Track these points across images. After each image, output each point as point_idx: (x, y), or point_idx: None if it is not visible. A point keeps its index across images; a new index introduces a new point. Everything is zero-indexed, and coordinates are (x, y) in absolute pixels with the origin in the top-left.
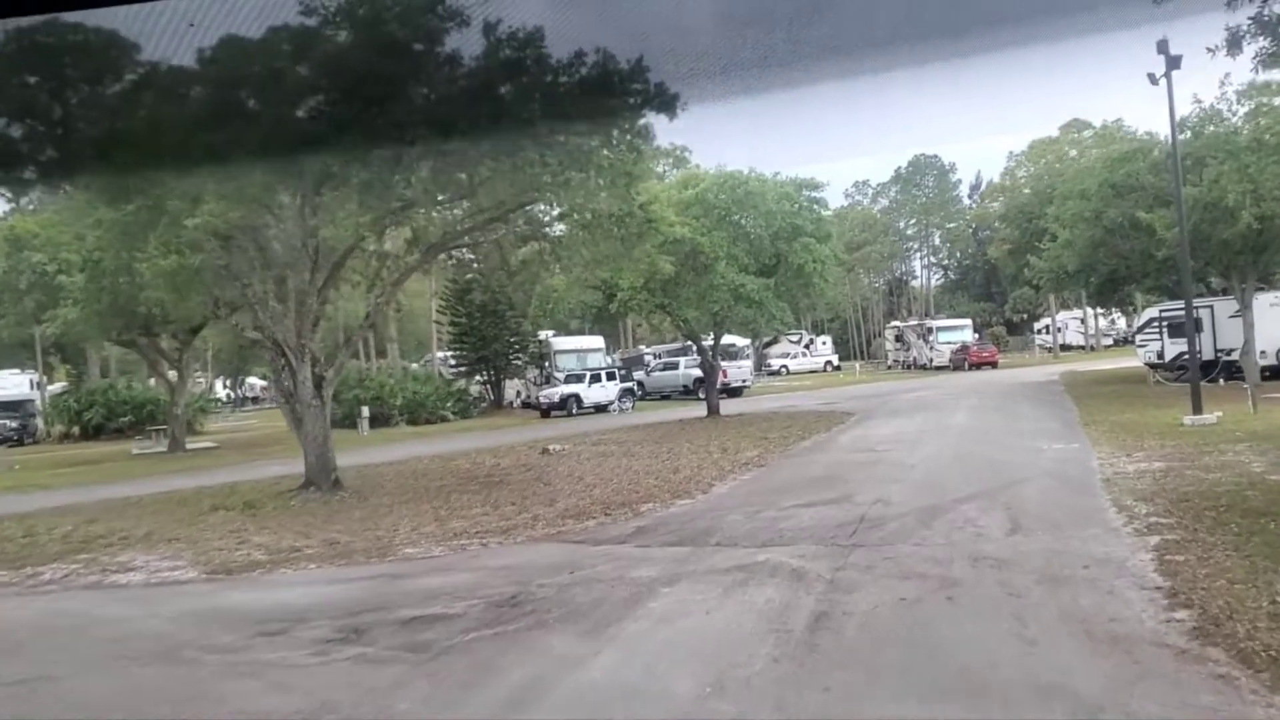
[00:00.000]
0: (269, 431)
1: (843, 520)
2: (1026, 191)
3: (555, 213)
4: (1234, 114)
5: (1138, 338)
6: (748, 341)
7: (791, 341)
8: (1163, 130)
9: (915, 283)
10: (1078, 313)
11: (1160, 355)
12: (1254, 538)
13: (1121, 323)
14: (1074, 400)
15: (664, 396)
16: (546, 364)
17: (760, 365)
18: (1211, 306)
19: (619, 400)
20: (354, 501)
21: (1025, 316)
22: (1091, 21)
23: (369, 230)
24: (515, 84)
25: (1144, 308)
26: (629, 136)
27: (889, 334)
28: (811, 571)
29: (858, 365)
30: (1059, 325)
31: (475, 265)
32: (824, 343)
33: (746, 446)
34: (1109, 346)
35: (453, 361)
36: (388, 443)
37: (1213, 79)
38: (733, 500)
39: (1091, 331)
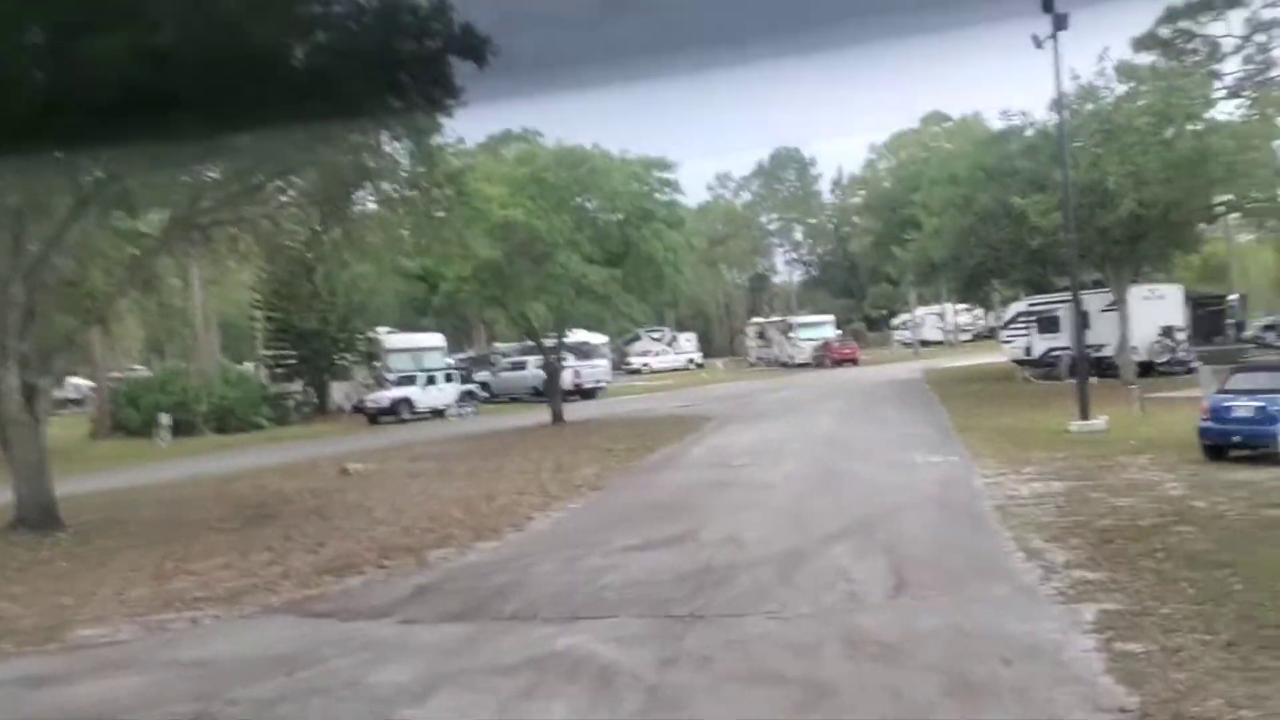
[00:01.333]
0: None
1: (682, 571)
2: (886, 185)
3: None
4: (1111, 92)
5: (1004, 333)
6: (604, 339)
7: (653, 339)
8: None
9: (778, 279)
10: (937, 308)
11: (1028, 351)
12: (1224, 605)
13: (980, 318)
14: (942, 401)
15: (513, 399)
16: (377, 364)
17: (621, 363)
18: (1079, 299)
19: (458, 404)
20: (70, 546)
21: (885, 313)
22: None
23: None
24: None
25: (1003, 303)
26: (426, 85)
27: (751, 331)
28: (627, 670)
29: (720, 363)
30: (918, 321)
31: (292, 252)
32: (687, 340)
33: (585, 462)
34: (967, 342)
35: (270, 362)
36: (175, 457)
37: (1089, 54)
38: (551, 540)
39: (950, 327)
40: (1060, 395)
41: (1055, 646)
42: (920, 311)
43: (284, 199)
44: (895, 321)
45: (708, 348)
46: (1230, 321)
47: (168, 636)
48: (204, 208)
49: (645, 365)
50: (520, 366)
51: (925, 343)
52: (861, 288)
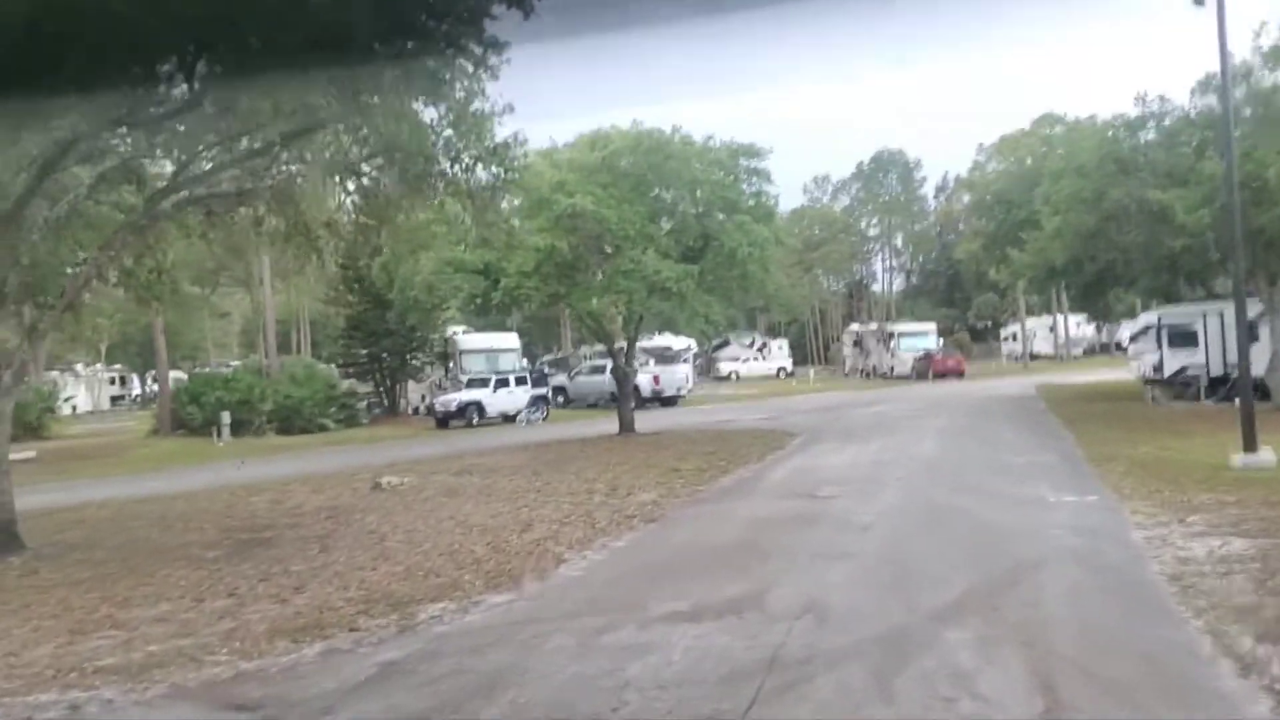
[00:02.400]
0: (124, 438)
1: (739, 663)
2: (997, 186)
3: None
4: (1270, 72)
5: (1130, 347)
6: (688, 344)
7: (743, 345)
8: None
9: (876, 286)
10: (1047, 319)
11: (1158, 368)
12: None
13: (1092, 331)
14: (1065, 423)
15: (591, 405)
16: (452, 365)
17: (708, 369)
18: (1221, 313)
19: (527, 410)
20: (12, 577)
21: (990, 323)
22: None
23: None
24: None
25: (1119, 316)
26: (462, 40)
27: (847, 338)
28: None
29: (811, 372)
30: (1028, 332)
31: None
32: (780, 347)
33: (646, 484)
34: (1079, 357)
35: (340, 360)
36: (221, 459)
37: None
38: (578, 597)
39: (1062, 340)
40: (1199, 419)
41: None
42: (1030, 322)
43: (295, 168)
44: (1003, 333)
45: (800, 356)
46: None
47: None
48: (196, 174)
49: (733, 372)
50: (599, 371)
51: (1034, 356)
52: (965, 297)
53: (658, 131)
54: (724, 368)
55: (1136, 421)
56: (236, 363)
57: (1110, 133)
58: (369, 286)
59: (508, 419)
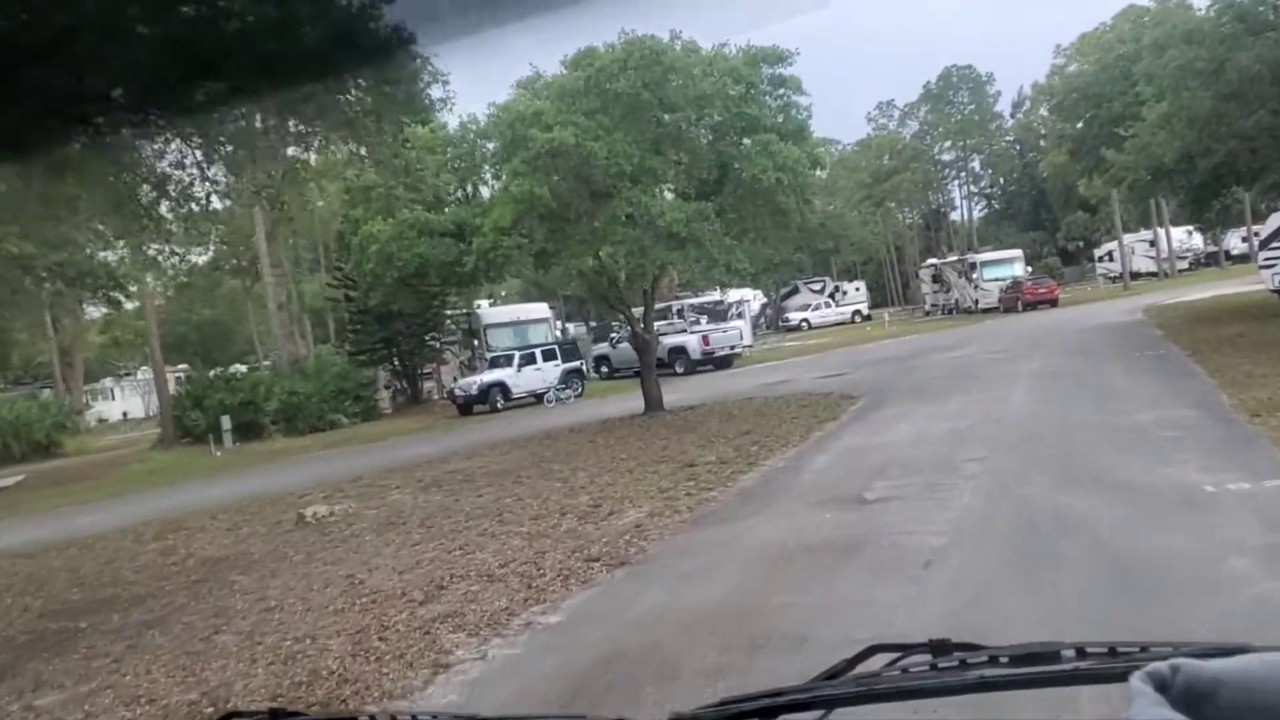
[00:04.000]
0: (128, 452)
1: None
2: (1080, 79)
3: None
4: None
5: (1262, 255)
6: (745, 296)
7: (813, 290)
8: None
9: (955, 215)
10: (1146, 234)
11: None
12: None
13: (1198, 242)
14: (1190, 354)
15: (636, 373)
16: (477, 343)
17: (777, 320)
18: None
19: (555, 389)
20: None
21: (1081, 244)
22: None
23: None
24: None
25: (1227, 224)
26: None
27: (924, 274)
28: None
29: (886, 314)
30: (1127, 250)
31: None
32: (857, 289)
33: (642, 493)
34: (1185, 271)
35: (350, 348)
36: (206, 474)
37: None
38: None
39: (1164, 254)
40: None
41: None
42: (1126, 238)
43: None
44: (1097, 253)
45: (879, 297)
46: None
47: None
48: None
49: (804, 321)
50: None
51: (1134, 275)
52: (1052, 218)
53: (653, 39)
54: (793, 317)
55: None
56: (266, 362)
57: None
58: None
59: (539, 399)
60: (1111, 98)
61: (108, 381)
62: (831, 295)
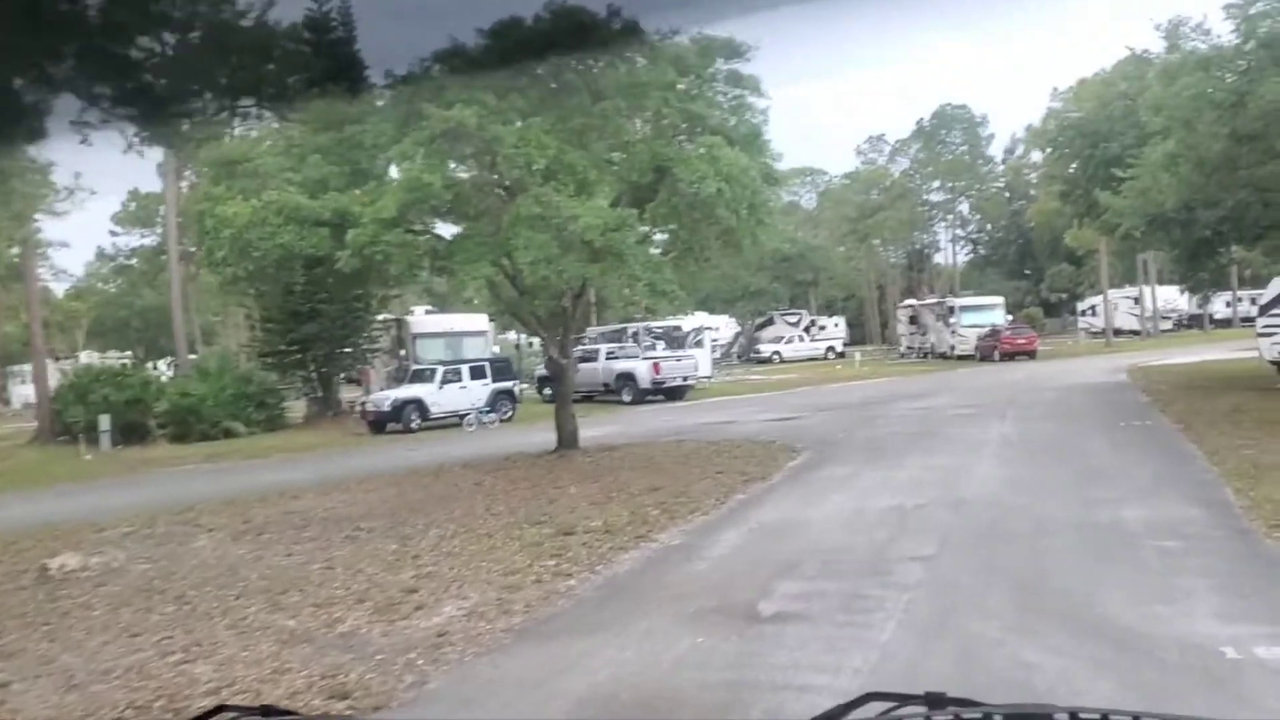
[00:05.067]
0: None
1: None
2: (1078, 117)
3: None
4: None
5: (1260, 322)
6: (710, 323)
7: (789, 323)
8: None
9: (940, 257)
10: (1131, 290)
11: None
12: None
13: (1183, 303)
14: (1184, 429)
15: (585, 396)
16: (404, 353)
17: (749, 351)
18: None
19: (478, 412)
20: None
21: (1064, 296)
22: None
23: None
24: None
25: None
26: None
27: (902, 314)
28: None
29: (858, 354)
30: (1111, 305)
31: None
32: (836, 324)
33: (492, 568)
34: (1167, 332)
35: (260, 350)
36: (54, 484)
37: None
38: None
39: (1149, 313)
40: None
41: None
42: (1111, 294)
43: None
44: (1080, 306)
45: (860, 334)
46: None
47: None
48: None
49: (775, 354)
50: (590, 357)
51: (1117, 332)
52: (1037, 268)
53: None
54: (765, 349)
55: None
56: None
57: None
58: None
59: (463, 420)
60: (1110, 137)
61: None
62: (807, 329)
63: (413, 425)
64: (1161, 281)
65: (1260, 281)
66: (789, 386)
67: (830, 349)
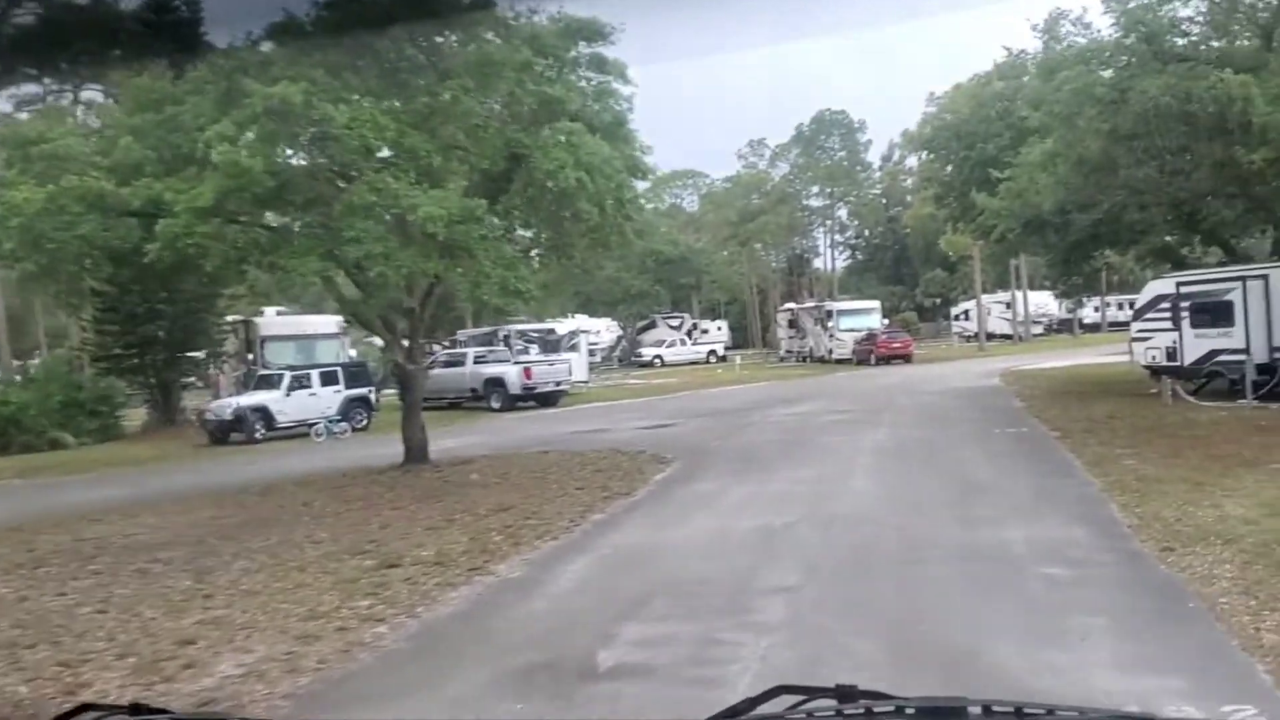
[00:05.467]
0: None
1: None
2: (954, 119)
3: None
4: None
5: (1134, 326)
6: (589, 325)
7: (671, 326)
8: None
9: (819, 262)
10: (1003, 295)
11: (1174, 355)
12: None
13: (1053, 308)
14: (1062, 436)
15: (452, 403)
16: (252, 356)
17: (631, 355)
18: (1265, 276)
19: (328, 422)
20: None
21: (938, 300)
22: None
23: None
24: None
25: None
26: None
27: (781, 318)
28: None
29: (738, 358)
30: (984, 310)
31: None
32: (719, 328)
33: (291, 612)
34: (1038, 336)
35: (93, 353)
36: None
37: None
38: None
39: (1021, 317)
40: (1254, 428)
41: None
42: (984, 299)
43: None
44: (953, 311)
45: (742, 338)
46: None
47: None
48: None
49: (657, 358)
50: (457, 361)
51: (990, 336)
52: (913, 274)
53: None
54: (647, 353)
55: (1171, 435)
56: None
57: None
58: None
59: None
60: (986, 138)
61: None
62: (689, 333)
63: (257, 435)
64: (1033, 286)
65: (1128, 287)
66: (668, 391)
67: (712, 353)
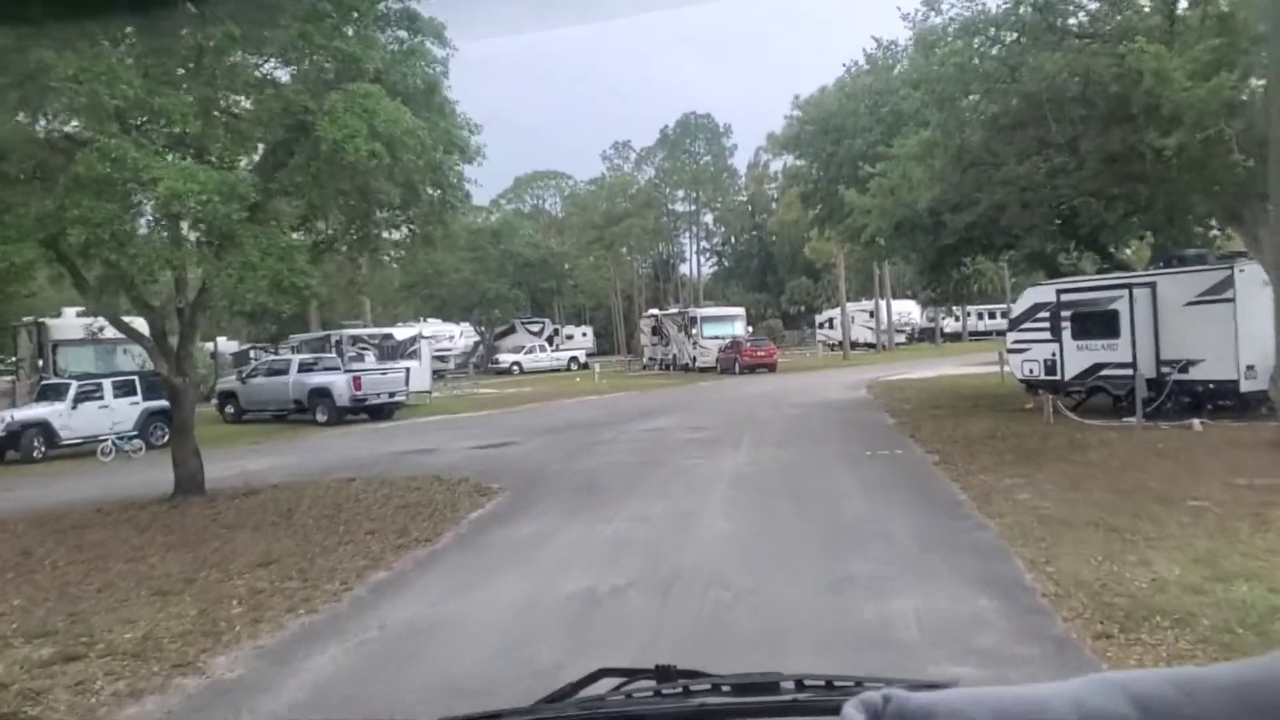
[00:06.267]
0: None
1: None
2: (820, 112)
3: None
4: None
5: (1010, 337)
6: (437, 330)
7: (531, 332)
8: None
9: (685, 268)
10: (867, 303)
11: (1054, 368)
12: None
13: (916, 317)
14: (940, 461)
15: (276, 415)
16: (42, 363)
17: (488, 361)
18: (1153, 284)
19: (120, 436)
20: None
21: (803, 308)
22: None
23: None
24: None
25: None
26: None
27: (645, 324)
28: None
29: (598, 365)
30: (848, 318)
31: None
32: (584, 334)
33: None
34: (901, 345)
35: None
36: None
37: None
38: None
39: (884, 326)
40: (1152, 453)
41: None
42: (848, 308)
43: None
44: (818, 319)
45: (608, 344)
46: None
47: None
48: None
49: (516, 365)
50: (280, 370)
51: (854, 345)
52: (779, 281)
53: None
54: (505, 359)
55: (1062, 459)
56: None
57: None
58: None
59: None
60: (855, 133)
61: None
62: (550, 339)
63: (36, 454)
64: (897, 295)
65: (988, 297)
66: (518, 403)
67: (573, 360)
